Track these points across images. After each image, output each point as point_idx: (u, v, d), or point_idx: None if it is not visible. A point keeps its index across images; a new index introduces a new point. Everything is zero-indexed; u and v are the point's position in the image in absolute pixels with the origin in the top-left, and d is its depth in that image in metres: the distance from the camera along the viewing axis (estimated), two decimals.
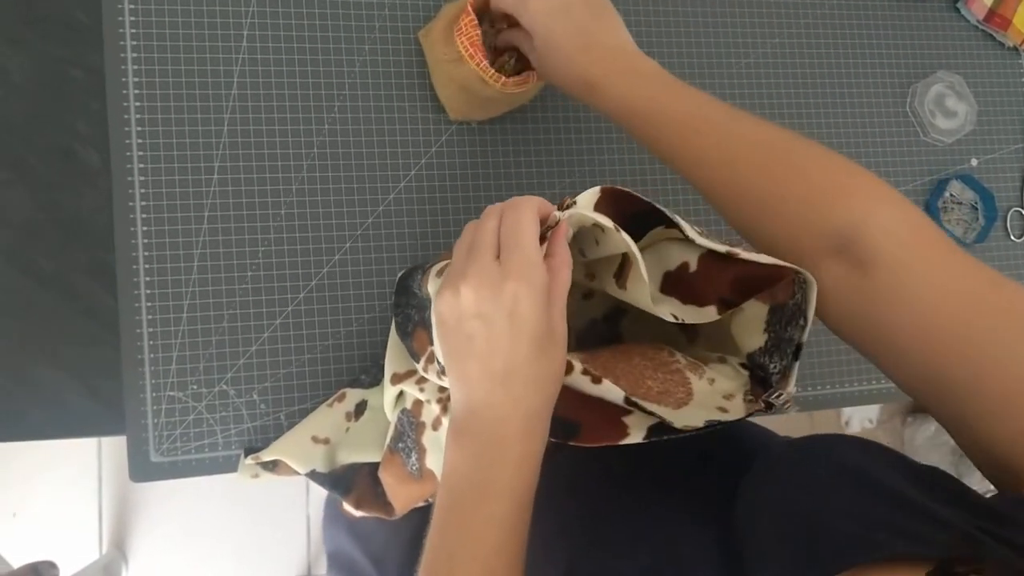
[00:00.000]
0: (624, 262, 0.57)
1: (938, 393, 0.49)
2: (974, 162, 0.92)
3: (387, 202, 0.75)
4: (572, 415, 0.54)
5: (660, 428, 0.53)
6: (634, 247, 0.51)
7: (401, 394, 0.69)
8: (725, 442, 0.71)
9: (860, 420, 2.04)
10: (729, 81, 0.85)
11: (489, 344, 0.48)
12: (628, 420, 0.54)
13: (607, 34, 0.63)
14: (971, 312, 0.48)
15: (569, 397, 0.54)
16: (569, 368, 0.53)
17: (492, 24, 0.75)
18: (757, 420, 0.74)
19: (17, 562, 1.27)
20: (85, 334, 0.71)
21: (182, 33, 0.72)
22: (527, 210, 0.50)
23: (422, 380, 0.67)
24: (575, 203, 0.52)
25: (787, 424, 1.92)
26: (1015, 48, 0.95)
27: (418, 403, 0.69)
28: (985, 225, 0.90)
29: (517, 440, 0.50)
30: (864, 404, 0.89)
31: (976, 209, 0.91)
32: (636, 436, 0.53)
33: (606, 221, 0.51)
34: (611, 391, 0.53)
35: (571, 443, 0.55)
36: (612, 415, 0.54)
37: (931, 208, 0.89)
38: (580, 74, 0.62)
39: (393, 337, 0.70)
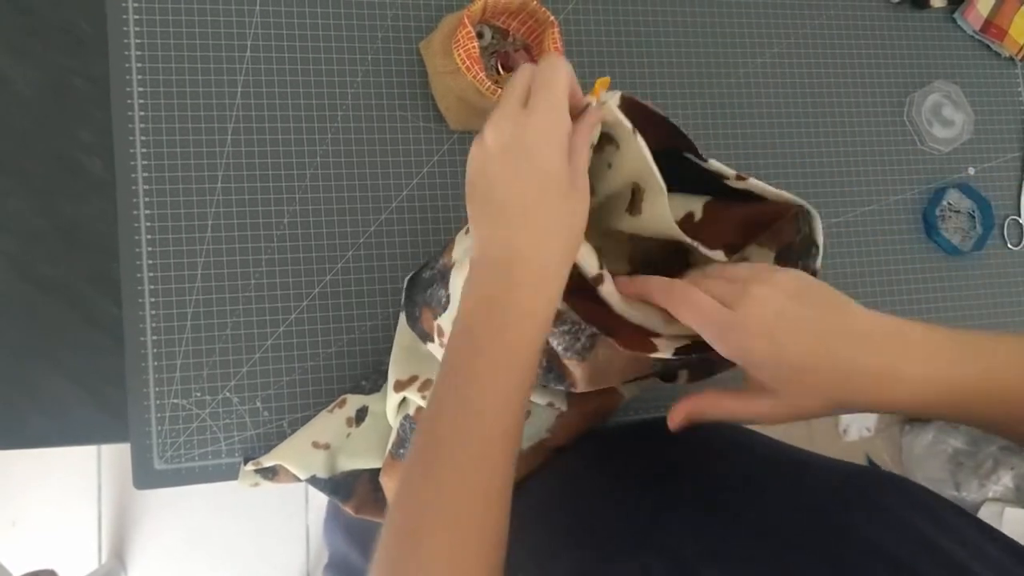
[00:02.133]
0: (634, 196, 0.58)
1: None
2: (971, 171, 0.93)
3: (389, 210, 0.76)
4: (607, 323, 0.54)
5: (686, 349, 0.54)
6: (650, 157, 0.52)
7: (404, 400, 0.70)
8: (707, 442, 0.72)
9: (858, 428, 2.04)
10: (727, 91, 0.86)
11: (508, 184, 0.49)
12: (657, 341, 0.55)
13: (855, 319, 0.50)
14: None
15: (606, 311, 0.55)
16: (600, 280, 0.53)
17: (496, 36, 0.76)
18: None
19: (16, 571, 1.27)
20: (88, 342, 0.71)
21: (186, 43, 0.73)
22: (561, 64, 0.50)
23: (425, 386, 0.68)
24: (602, 100, 0.53)
25: (785, 432, 1.92)
26: (1011, 58, 0.96)
27: (420, 410, 0.69)
28: (982, 233, 0.91)
29: (529, 287, 0.49)
30: (863, 412, 0.89)
31: (973, 217, 0.91)
32: (665, 352, 0.53)
33: (627, 122, 0.52)
34: (648, 318, 0.54)
35: (609, 339, 0.54)
36: (642, 332, 0.55)
37: (929, 217, 0.90)
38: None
39: (397, 344, 0.71)
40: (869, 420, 2.04)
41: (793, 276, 0.50)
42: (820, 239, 0.55)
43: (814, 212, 0.55)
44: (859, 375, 0.48)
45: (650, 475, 0.66)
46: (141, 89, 0.71)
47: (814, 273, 0.55)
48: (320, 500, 1.74)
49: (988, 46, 0.96)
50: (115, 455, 1.65)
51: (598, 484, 0.68)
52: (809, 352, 0.48)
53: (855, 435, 2.04)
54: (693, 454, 0.69)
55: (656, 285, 0.53)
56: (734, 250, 0.58)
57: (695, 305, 0.50)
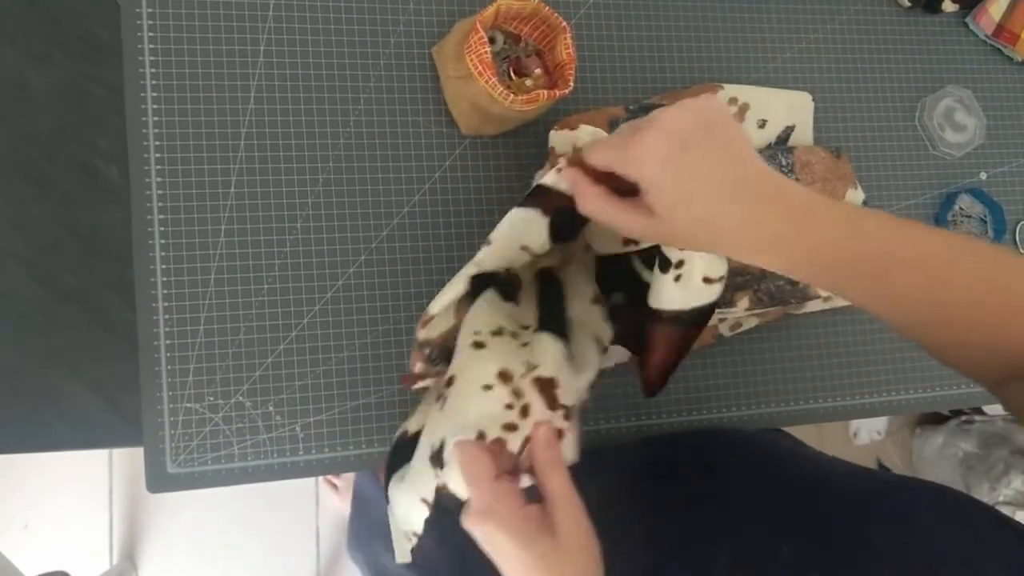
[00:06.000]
0: None
1: None
2: (983, 175, 0.93)
3: (401, 215, 0.76)
4: None
5: None
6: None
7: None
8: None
9: (868, 432, 2.04)
10: None
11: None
12: None
13: (753, 169, 0.50)
14: None
15: None
16: None
17: (508, 41, 0.76)
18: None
19: (29, 573, 1.27)
20: (106, 347, 0.72)
21: (200, 49, 0.73)
22: (466, 465, 0.52)
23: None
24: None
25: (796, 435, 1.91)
26: (1023, 63, 0.96)
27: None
28: (994, 238, 0.90)
29: None
30: (872, 416, 0.89)
31: (985, 222, 0.91)
32: None
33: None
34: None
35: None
36: None
37: (941, 221, 0.89)
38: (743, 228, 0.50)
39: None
40: (879, 424, 2.04)
41: (688, 113, 0.49)
42: None
43: None
44: (744, 234, 0.50)
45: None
46: (155, 95, 0.72)
47: None
48: (329, 503, 1.75)
49: (1000, 50, 0.95)
50: (126, 458, 1.66)
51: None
52: (704, 198, 0.49)
53: (865, 438, 2.04)
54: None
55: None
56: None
57: (597, 151, 0.52)
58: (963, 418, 1.98)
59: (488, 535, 0.50)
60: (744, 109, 0.81)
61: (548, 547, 0.50)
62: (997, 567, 0.46)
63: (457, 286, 0.60)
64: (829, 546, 0.52)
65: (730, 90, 0.81)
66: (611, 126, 0.78)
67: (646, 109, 0.79)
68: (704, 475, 0.70)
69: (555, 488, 0.51)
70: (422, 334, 0.62)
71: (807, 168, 0.81)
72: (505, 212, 0.76)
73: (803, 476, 0.66)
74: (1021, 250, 0.93)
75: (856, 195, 0.83)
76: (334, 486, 1.72)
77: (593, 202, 0.53)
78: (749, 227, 0.49)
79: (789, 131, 0.83)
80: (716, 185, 0.48)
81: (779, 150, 0.81)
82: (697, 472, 0.71)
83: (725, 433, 0.80)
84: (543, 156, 0.80)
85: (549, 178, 0.56)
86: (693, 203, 0.49)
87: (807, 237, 0.49)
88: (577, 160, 0.55)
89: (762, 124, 0.82)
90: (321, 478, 1.74)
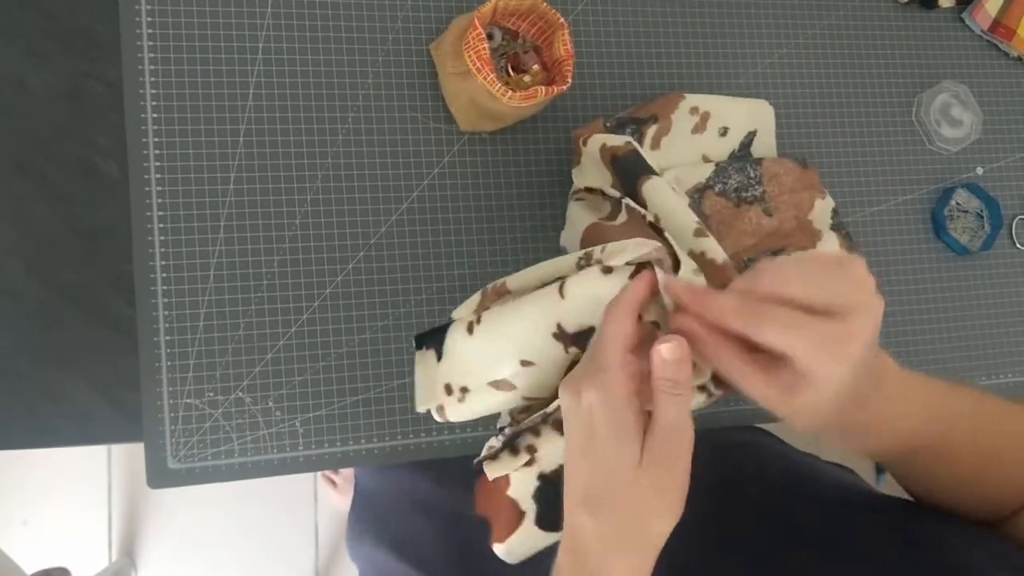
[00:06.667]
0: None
1: None
2: (979, 171, 0.93)
3: (400, 211, 0.76)
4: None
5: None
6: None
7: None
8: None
9: None
10: (736, 93, 0.86)
11: (574, 462, 0.44)
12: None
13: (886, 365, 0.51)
14: None
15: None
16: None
17: (506, 37, 0.76)
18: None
19: (28, 569, 1.27)
20: (105, 344, 0.72)
21: (199, 45, 0.73)
22: (607, 319, 0.45)
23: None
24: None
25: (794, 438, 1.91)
26: (1019, 58, 0.96)
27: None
28: (990, 233, 0.91)
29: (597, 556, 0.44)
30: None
31: (982, 217, 0.92)
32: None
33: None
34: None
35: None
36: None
37: (937, 216, 0.90)
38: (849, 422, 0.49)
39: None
40: None
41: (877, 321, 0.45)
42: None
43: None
44: (870, 422, 0.50)
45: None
46: (154, 91, 0.72)
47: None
48: (329, 499, 1.75)
49: (996, 46, 0.96)
50: (125, 455, 1.66)
51: None
52: (854, 399, 0.46)
53: None
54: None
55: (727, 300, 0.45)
56: None
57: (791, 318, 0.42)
58: None
59: (592, 406, 0.42)
60: (706, 118, 0.79)
61: (634, 461, 0.42)
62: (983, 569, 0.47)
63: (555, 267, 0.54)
64: (824, 552, 0.53)
65: (691, 100, 0.80)
66: (612, 161, 0.68)
67: (622, 124, 0.78)
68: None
69: (669, 417, 0.42)
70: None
71: (775, 179, 0.80)
72: (504, 210, 0.76)
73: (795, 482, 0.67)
74: (1017, 245, 0.93)
75: (825, 204, 0.81)
76: (333, 483, 1.72)
77: (732, 364, 0.45)
78: (875, 429, 0.50)
79: (751, 136, 0.82)
80: (865, 386, 0.47)
81: (747, 162, 0.80)
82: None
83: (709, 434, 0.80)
84: (541, 152, 0.80)
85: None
86: (844, 406, 0.46)
87: (905, 431, 0.51)
88: (697, 303, 0.46)
89: (724, 132, 0.81)
90: (320, 475, 1.74)
